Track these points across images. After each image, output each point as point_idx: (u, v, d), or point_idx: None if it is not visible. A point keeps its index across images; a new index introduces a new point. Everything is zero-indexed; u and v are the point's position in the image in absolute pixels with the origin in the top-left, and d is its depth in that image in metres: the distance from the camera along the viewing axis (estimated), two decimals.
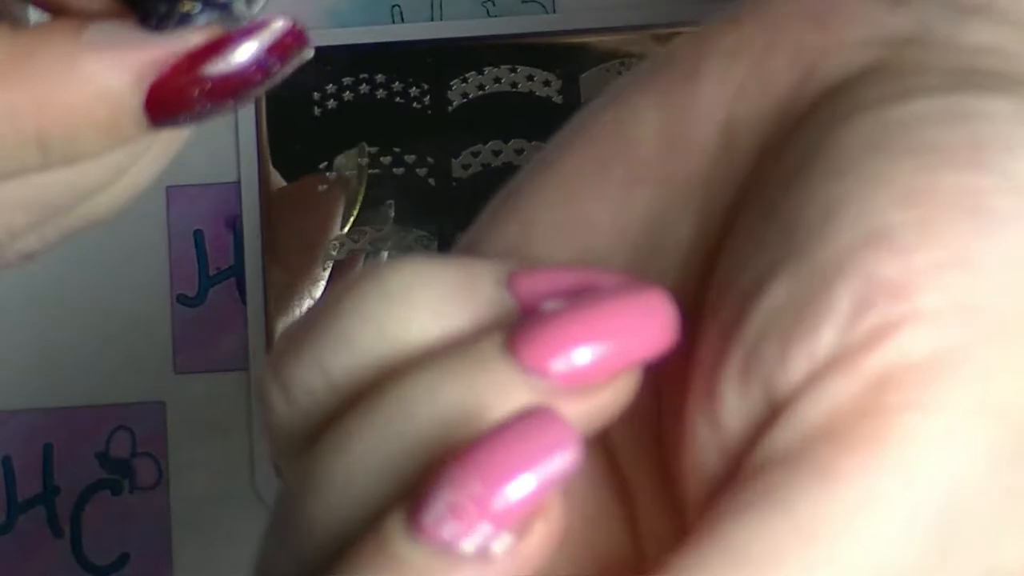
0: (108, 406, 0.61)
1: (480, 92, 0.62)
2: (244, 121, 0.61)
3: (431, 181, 0.61)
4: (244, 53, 0.29)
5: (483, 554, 0.28)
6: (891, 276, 0.28)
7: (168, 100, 0.29)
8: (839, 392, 0.28)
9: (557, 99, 0.62)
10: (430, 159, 0.61)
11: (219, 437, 0.61)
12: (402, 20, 0.62)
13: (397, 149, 0.61)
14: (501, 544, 0.28)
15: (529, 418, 0.28)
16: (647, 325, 0.29)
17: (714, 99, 0.32)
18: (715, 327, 0.29)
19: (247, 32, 0.29)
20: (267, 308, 0.61)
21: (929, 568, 0.28)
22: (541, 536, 0.28)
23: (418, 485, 0.28)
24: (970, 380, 0.28)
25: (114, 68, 0.29)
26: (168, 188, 0.62)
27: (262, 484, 0.60)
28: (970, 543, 0.28)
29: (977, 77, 0.29)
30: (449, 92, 0.62)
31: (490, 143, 0.62)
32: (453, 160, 0.61)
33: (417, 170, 0.61)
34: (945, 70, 0.30)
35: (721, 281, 0.30)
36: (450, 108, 0.62)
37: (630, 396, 0.30)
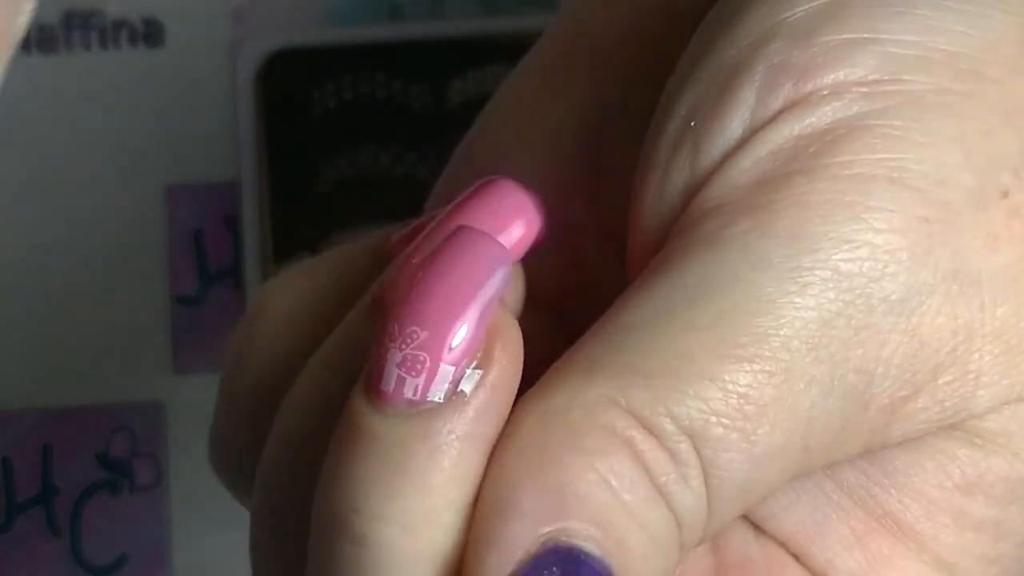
0: (107, 406, 0.61)
1: (481, 91, 0.62)
2: (244, 120, 0.61)
3: (432, 180, 0.61)
4: None
5: (454, 397, 0.27)
6: (795, 60, 0.29)
7: None
8: (739, 169, 0.29)
9: None
10: (430, 158, 0.61)
11: None
12: (403, 18, 0.62)
13: (397, 148, 0.61)
14: (469, 381, 0.28)
15: (452, 242, 0.28)
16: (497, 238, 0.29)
17: None
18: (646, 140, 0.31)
19: None
20: None
21: (829, 334, 0.28)
22: (506, 358, 0.28)
23: (367, 360, 0.28)
24: (866, 147, 0.29)
25: None
26: (168, 188, 0.61)
27: None
28: (869, 309, 0.28)
29: None
30: (449, 91, 0.62)
31: None
32: None
33: (417, 169, 0.61)
34: None
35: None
36: (450, 108, 0.62)
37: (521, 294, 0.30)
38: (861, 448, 0.29)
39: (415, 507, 0.27)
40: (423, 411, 0.27)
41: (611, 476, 0.27)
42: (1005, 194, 0.29)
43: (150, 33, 0.61)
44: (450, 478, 0.28)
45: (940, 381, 0.29)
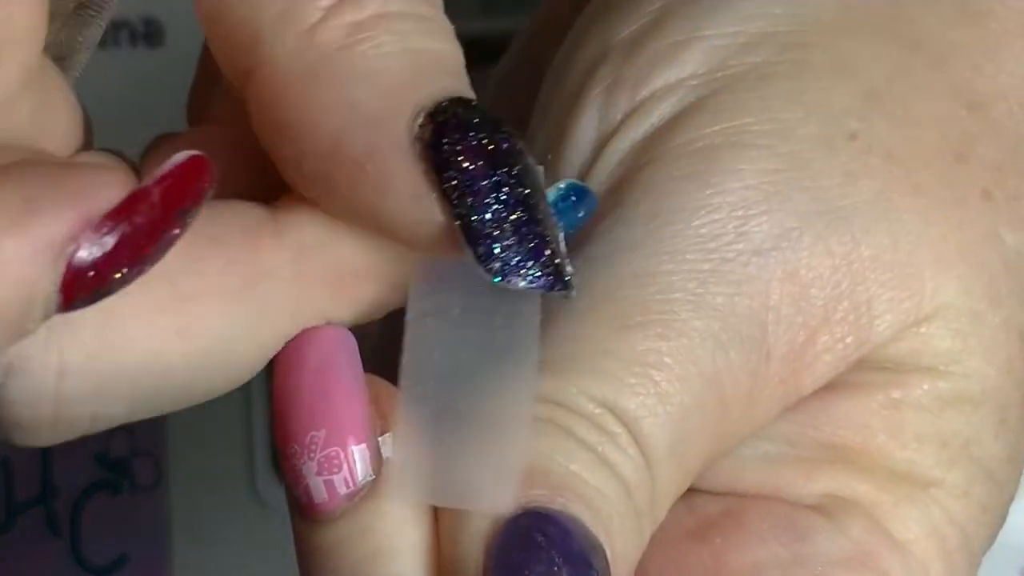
0: None
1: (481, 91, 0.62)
2: None
3: None
4: (149, 211, 0.24)
5: (383, 467, 0.28)
6: (626, 74, 0.31)
7: (88, 276, 0.24)
8: (595, 182, 0.31)
9: None
10: None
11: (219, 437, 0.60)
12: None
13: None
14: (385, 445, 0.28)
15: (297, 345, 0.28)
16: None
17: None
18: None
19: (152, 187, 0.25)
20: None
21: (710, 291, 0.29)
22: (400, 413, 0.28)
23: (287, 491, 0.29)
24: (704, 123, 0.30)
25: (30, 247, 0.23)
26: None
27: (262, 485, 0.60)
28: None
29: None
30: None
31: None
32: None
33: None
34: None
35: None
36: None
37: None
38: (779, 405, 0.30)
39: (410, 574, 0.28)
40: (365, 495, 0.28)
41: (552, 452, 0.28)
42: (853, 136, 0.30)
43: (150, 33, 0.61)
44: (423, 532, 0.28)
45: (835, 318, 0.30)
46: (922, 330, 0.30)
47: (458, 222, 0.26)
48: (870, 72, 0.31)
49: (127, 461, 0.61)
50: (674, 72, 0.31)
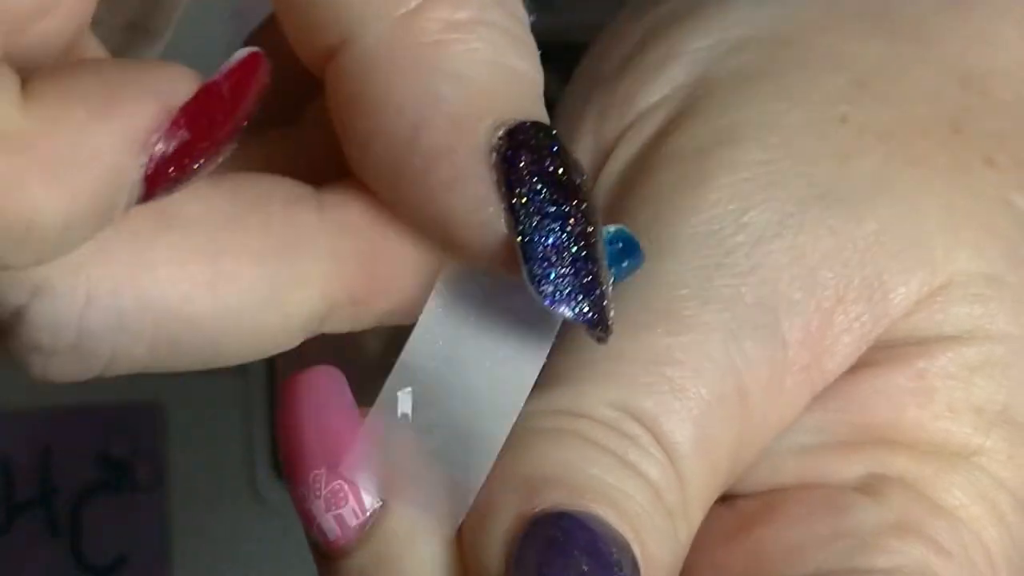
0: (107, 406, 0.61)
1: None
2: None
3: None
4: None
5: None
6: (616, 96, 0.32)
7: (172, 164, 0.25)
8: (602, 192, 0.32)
9: (557, 97, 0.62)
10: None
11: (219, 437, 0.60)
12: None
13: None
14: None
15: (288, 393, 0.29)
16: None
17: None
18: None
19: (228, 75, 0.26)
20: None
21: (716, 284, 0.30)
22: None
23: (305, 533, 0.29)
24: (692, 127, 0.31)
25: (121, 135, 0.24)
26: None
27: (262, 484, 0.60)
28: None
29: None
30: None
31: None
32: None
33: None
34: None
35: None
36: None
37: None
38: (806, 393, 0.30)
39: None
40: (375, 522, 0.28)
41: (571, 459, 0.28)
42: (844, 119, 0.30)
43: None
44: (438, 545, 0.28)
45: (848, 297, 0.30)
46: (939, 299, 0.30)
47: (520, 239, 0.26)
48: (857, 62, 0.31)
49: (127, 461, 0.61)
50: (660, 87, 0.32)
